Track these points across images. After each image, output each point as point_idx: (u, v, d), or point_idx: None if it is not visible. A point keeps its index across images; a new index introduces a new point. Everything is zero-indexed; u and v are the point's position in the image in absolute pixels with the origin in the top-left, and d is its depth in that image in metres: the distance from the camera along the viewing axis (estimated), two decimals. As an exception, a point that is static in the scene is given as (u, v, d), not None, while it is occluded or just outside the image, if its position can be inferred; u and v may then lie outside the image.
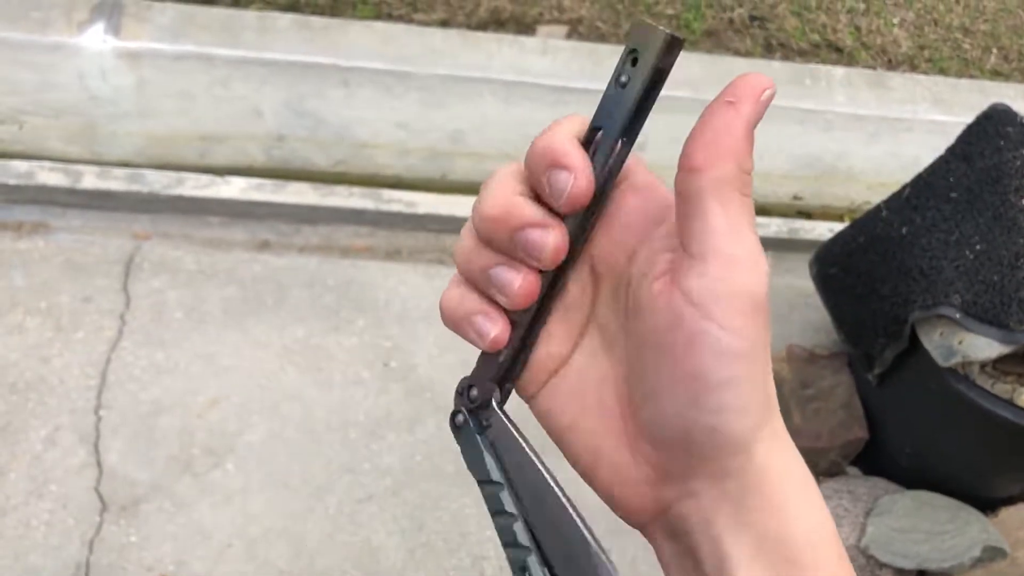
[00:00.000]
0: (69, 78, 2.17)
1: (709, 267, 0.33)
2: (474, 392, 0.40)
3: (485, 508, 0.39)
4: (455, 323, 0.40)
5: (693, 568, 0.36)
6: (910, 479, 1.86)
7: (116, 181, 2.14)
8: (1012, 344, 1.53)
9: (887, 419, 1.88)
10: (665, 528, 0.37)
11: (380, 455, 1.91)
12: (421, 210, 2.24)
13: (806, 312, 2.25)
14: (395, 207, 2.23)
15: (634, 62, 0.36)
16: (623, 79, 0.36)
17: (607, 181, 0.37)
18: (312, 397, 1.97)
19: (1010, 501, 1.86)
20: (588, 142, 0.37)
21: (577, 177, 0.36)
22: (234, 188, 2.18)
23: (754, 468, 0.34)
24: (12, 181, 2.10)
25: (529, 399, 0.41)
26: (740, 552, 0.34)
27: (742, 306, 0.33)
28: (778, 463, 0.35)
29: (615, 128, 0.37)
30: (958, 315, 1.55)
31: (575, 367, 0.40)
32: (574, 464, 0.39)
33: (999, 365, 1.62)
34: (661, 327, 0.34)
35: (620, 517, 0.39)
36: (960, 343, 1.56)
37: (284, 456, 1.89)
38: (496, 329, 0.39)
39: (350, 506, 1.85)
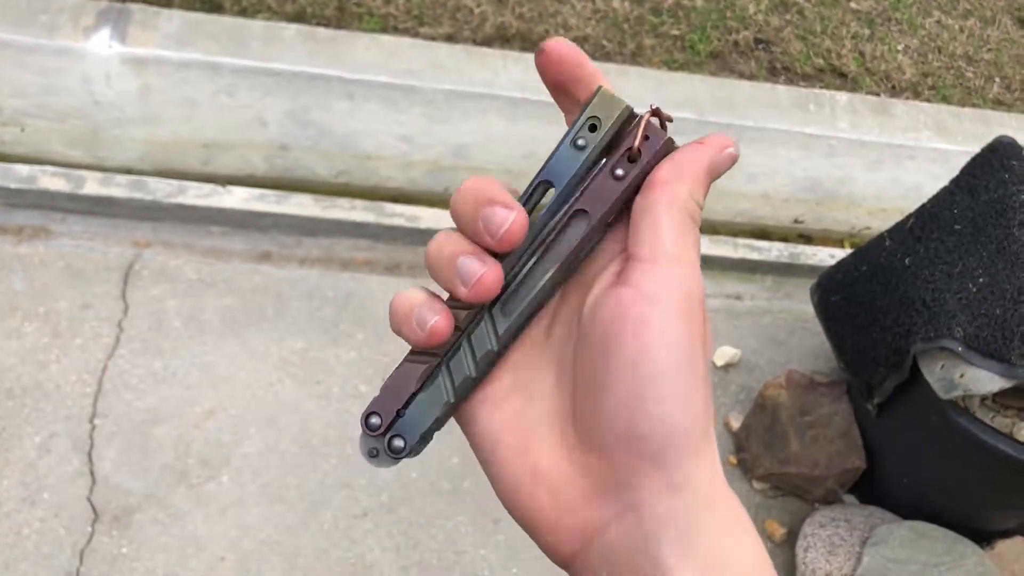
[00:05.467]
0: (74, 82, 2.16)
1: (657, 266, 0.35)
2: (374, 420, 0.39)
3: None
4: (401, 315, 0.38)
5: None
6: (907, 509, 1.86)
7: (118, 188, 2.13)
8: (1013, 379, 1.53)
9: (885, 449, 1.87)
10: (597, 558, 0.36)
11: (376, 471, 1.90)
12: (423, 224, 2.23)
13: (805, 337, 2.25)
14: (397, 221, 2.23)
15: (592, 128, 0.38)
16: (580, 142, 0.38)
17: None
18: (309, 410, 1.96)
19: (1006, 534, 1.85)
20: (530, 195, 0.38)
21: (516, 216, 0.36)
22: (236, 198, 2.18)
23: (702, 486, 0.34)
24: (14, 185, 2.09)
25: (463, 422, 0.40)
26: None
27: (686, 301, 0.35)
28: (722, 487, 0.35)
29: (568, 188, 0.38)
30: (960, 348, 1.55)
31: (517, 393, 0.39)
32: (506, 490, 0.38)
33: (999, 399, 1.63)
34: (607, 318, 0.35)
35: (548, 550, 0.37)
36: (961, 376, 1.56)
37: (280, 469, 1.88)
38: (437, 320, 0.37)
39: (345, 521, 1.84)
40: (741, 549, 0.34)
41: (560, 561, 0.37)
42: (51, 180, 2.11)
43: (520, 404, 0.39)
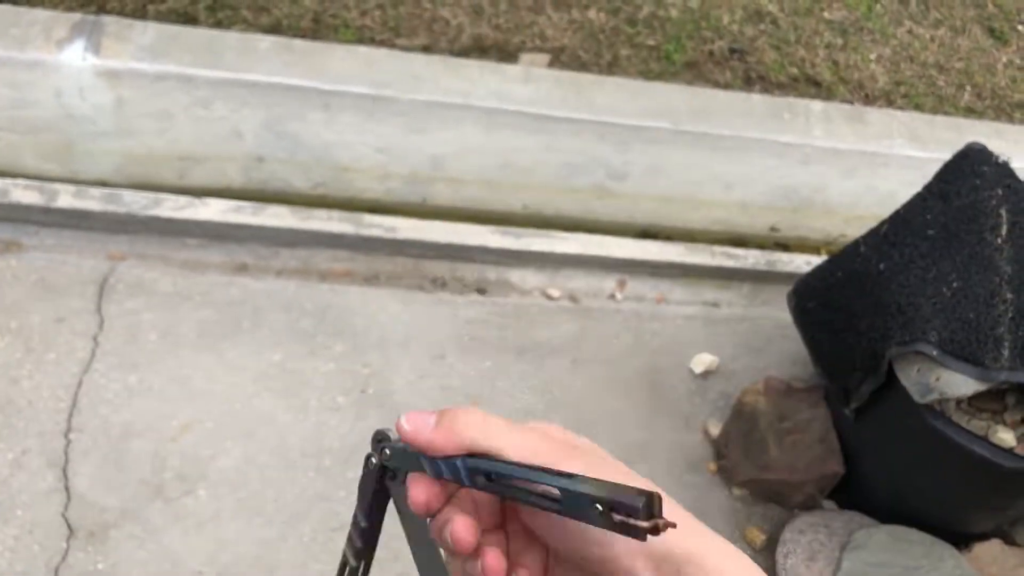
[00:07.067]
0: (47, 95, 2.14)
1: None
2: None
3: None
4: None
5: None
6: (886, 513, 1.87)
7: (92, 201, 2.12)
8: (988, 382, 1.54)
9: (863, 453, 1.88)
10: None
11: (355, 483, 1.89)
12: (401, 235, 2.23)
13: (783, 344, 2.26)
14: (375, 232, 2.22)
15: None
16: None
17: None
18: (287, 423, 1.94)
19: (983, 537, 1.87)
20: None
21: None
22: (212, 210, 2.16)
23: None
24: (-14, 198, 2.07)
25: None
26: None
27: None
28: None
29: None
30: (935, 352, 1.56)
31: None
32: None
33: (974, 402, 1.64)
34: None
35: None
36: (937, 380, 1.57)
37: (258, 482, 1.86)
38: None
39: (324, 534, 1.82)
40: None
41: None
42: (24, 193, 2.09)
43: None
